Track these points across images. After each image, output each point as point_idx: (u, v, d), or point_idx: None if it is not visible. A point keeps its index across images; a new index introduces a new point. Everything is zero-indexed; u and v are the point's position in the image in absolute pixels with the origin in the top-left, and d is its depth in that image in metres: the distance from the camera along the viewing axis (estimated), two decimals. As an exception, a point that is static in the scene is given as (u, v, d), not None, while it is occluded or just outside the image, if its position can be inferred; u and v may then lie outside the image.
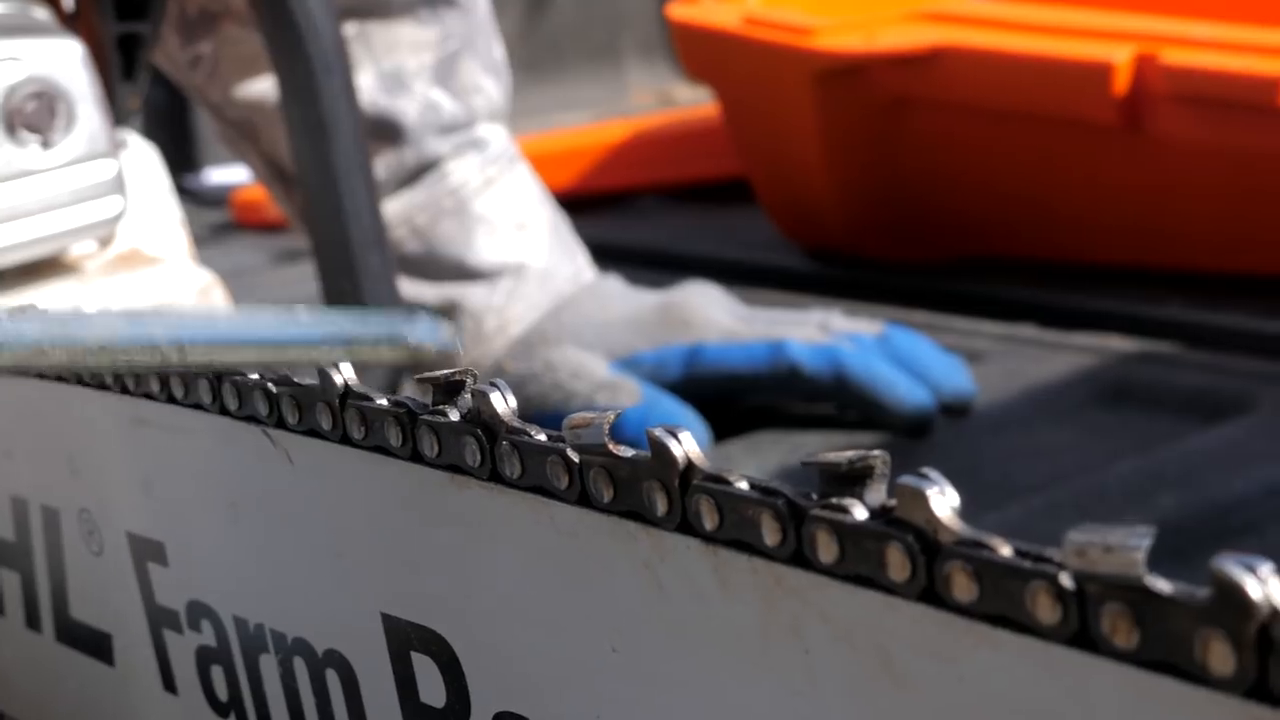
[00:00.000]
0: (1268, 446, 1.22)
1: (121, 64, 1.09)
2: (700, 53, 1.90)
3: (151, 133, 1.55)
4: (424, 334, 0.48)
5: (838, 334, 1.32)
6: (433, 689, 0.53)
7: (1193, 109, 1.57)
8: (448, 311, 1.34)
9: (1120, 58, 1.57)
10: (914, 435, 1.29)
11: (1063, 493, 1.16)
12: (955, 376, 1.33)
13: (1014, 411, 1.36)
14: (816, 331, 1.32)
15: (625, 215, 2.26)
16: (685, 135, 2.36)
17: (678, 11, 1.90)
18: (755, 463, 1.26)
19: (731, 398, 1.34)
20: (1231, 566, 0.32)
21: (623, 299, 1.37)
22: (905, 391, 1.29)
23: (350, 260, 1.10)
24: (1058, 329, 1.55)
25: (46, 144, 0.99)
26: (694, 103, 2.48)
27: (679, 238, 2.10)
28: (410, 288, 1.31)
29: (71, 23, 1.06)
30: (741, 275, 1.79)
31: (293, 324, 0.48)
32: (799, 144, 1.80)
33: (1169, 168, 1.62)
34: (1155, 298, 1.59)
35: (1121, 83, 1.57)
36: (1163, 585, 0.34)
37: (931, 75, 1.70)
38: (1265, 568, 0.32)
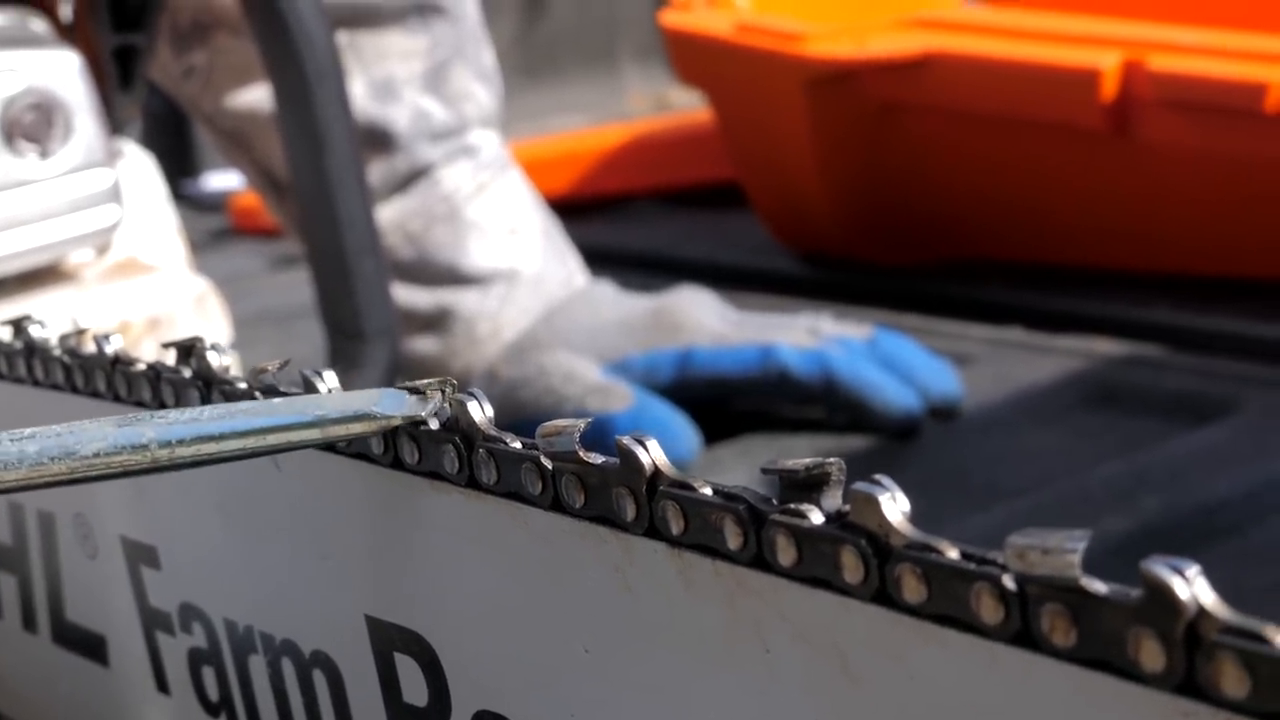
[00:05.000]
0: (1252, 449, 1.23)
1: (118, 74, 1.10)
2: (693, 59, 1.92)
3: (150, 139, 1.57)
4: (390, 406, 0.52)
5: (827, 338, 1.33)
6: (415, 688, 0.54)
7: (1180, 114, 1.58)
8: (440, 317, 1.36)
9: (1108, 63, 1.59)
10: (902, 438, 1.31)
11: (1049, 495, 1.17)
12: (943, 380, 1.35)
13: (1001, 414, 1.37)
14: (806, 336, 1.33)
15: (619, 219, 2.27)
16: (679, 140, 2.37)
17: (671, 18, 1.91)
18: (746, 465, 1.28)
19: (722, 401, 1.36)
20: (1160, 569, 0.34)
21: (614, 303, 1.39)
22: (893, 395, 1.30)
23: (345, 267, 1.11)
24: (1045, 332, 1.56)
25: (44, 154, 1.01)
26: (690, 107, 2.49)
27: (672, 242, 2.12)
28: (404, 293, 1.33)
29: (69, 34, 1.07)
30: (734, 279, 1.80)
31: (269, 411, 0.52)
32: (791, 149, 1.81)
33: (1156, 172, 1.63)
34: (1142, 301, 1.61)
35: (1109, 88, 1.59)
36: (1098, 586, 0.35)
37: (921, 81, 1.71)
38: (1192, 570, 0.34)
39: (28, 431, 0.50)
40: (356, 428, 0.52)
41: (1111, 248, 1.71)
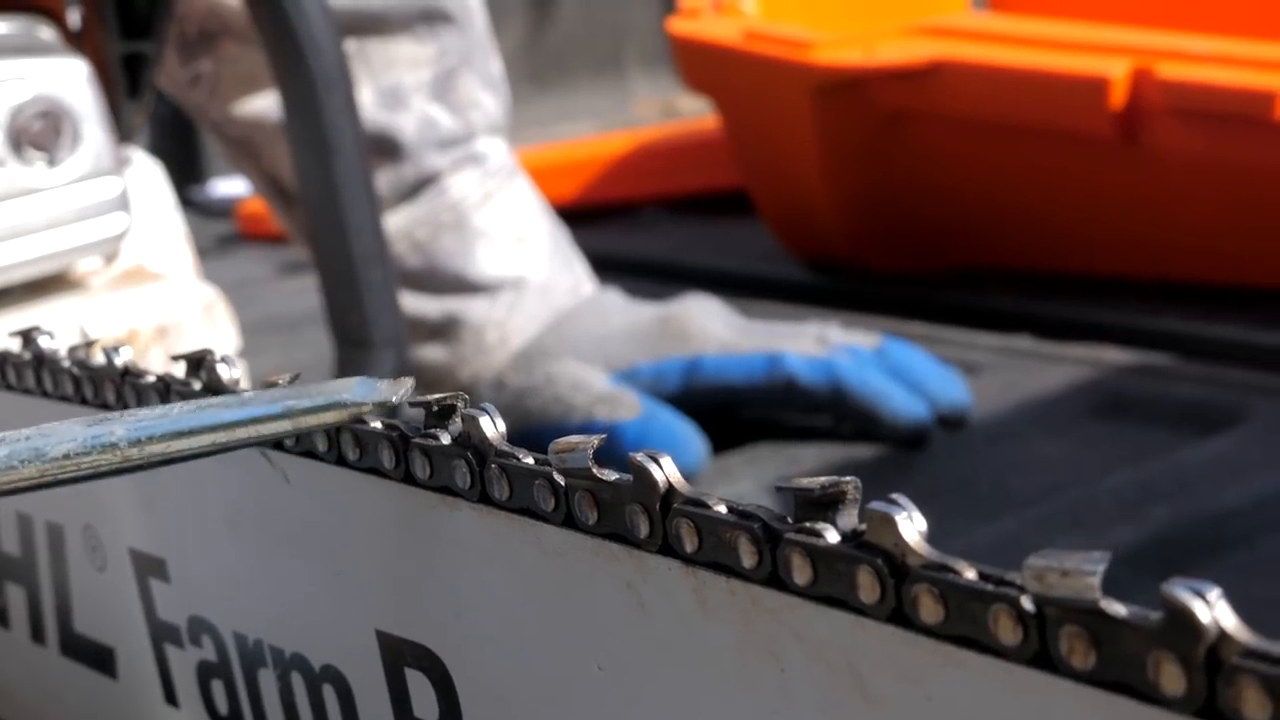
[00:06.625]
0: (1260, 458, 1.23)
1: (126, 82, 1.10)
2: (701, 66, 1.91)
3: (157, 145, 1.57)
4: (360, 394, 0.51)
5: (835, 347, 1.33)
6: (426, 704, 0.54)
7: (1189, 123, 1.58)
8: (448, 325, 1.36)
9: (1117, 72, 1.59)
10: (910, 447, 1.31)
11: (1057, 504, 1.17)
12: (951, 389, 1.35)
13: (1010, 423, 1.37)
14: (814, 344, 1.33)
15: (627, 226, 2.27)
16: (686, 147, 2.37)
17: (679, 25, 1.91)
18: (754, 475, 1.28)
19: (729, 410, 1.35)
20: (1181, 591, 0.34)
21: (622, 312, 1.38)
22: (901, 404, 1.30)
23: (352, 275, 1.11)
24: (1054, 341, 1.56)
25: (52, 162, 1.01)
26: (697, 114, 2.49)
27: (679, 249, 2.12)
28: (411, 302, 1.33)
29: (77, 42, 1.07)
30: (741, 286, 1.80)
31: (239, 405, 0.52)
32: (798, 157, 1.81)
33: (1165, 181, 1.63)
34: (1150, 309, 1.61)
35: (1118, 97, 1.59)
36: (1117, 608, 0.35)
37: (930, 89, 1.71)
38: (1213, 593, 0.34)
39: None
40: (328, 416, 0.52)
41: (1120, 256, 1.71)
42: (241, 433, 0.51)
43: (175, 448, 0.50)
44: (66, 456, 0.49)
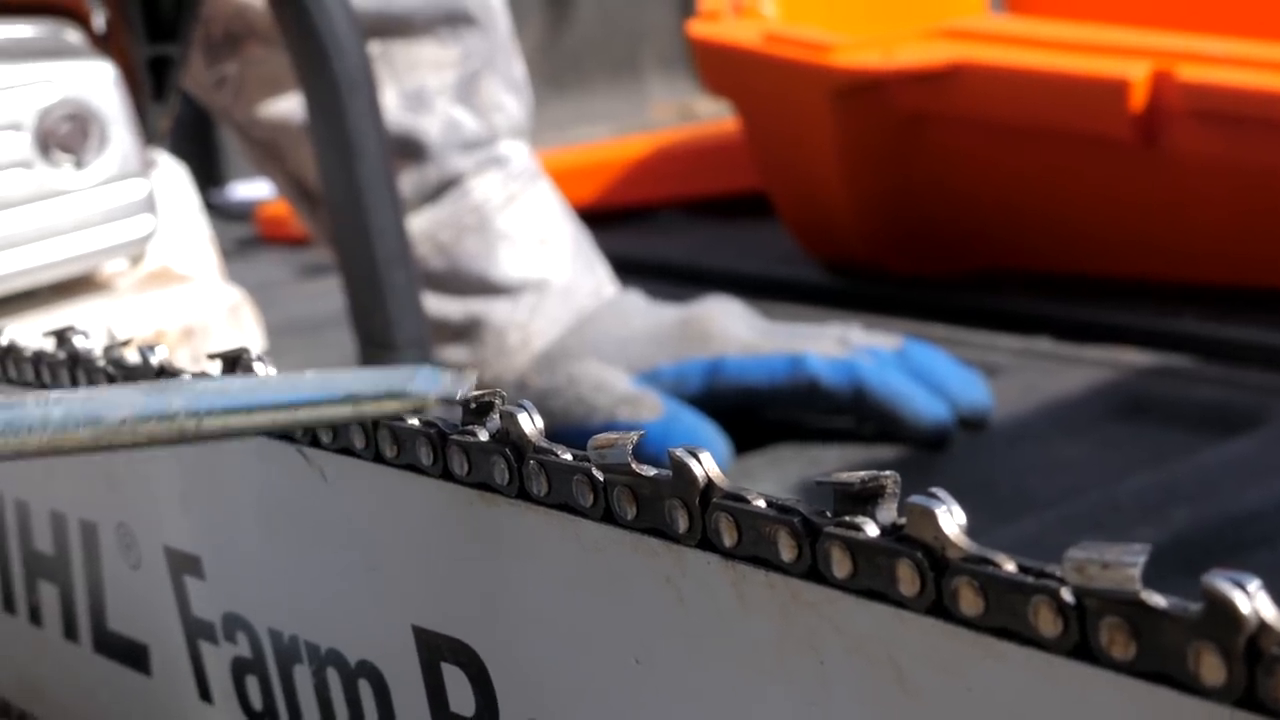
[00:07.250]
0: (1281, 460, 1.23)
1: (152, 85, 1.10)
2: (721, 69, 1.92)
3: (178, 148, 1.57)
4: (424, 384, 0.50)
5: (856, 348, 1.34)
6: (462, 699, 0.55)
7: (1209, 125, 1.58)
8: (471, 327, 1.36)
9: (1137, 74, 1.59)
10: (932, 449, 1.31)
11: (1078, 506, 1.17)
12: (972, 390, 1.35)
13: (1030, 425, 1.37)
14: (835, 346, 1.33)
15: (646, 229, 2.28)
16: (705, 150, 2.38)
17: (698, 28, 1.92)
18: (776, 475, 1.28)
19: (751, 411, 1.36)
20: (1221, 582, 0.34)
21: (644, 313, 1.39)
22: (923, 405, 1.30)
23: (376, 277, 1.11)
24: (1074, 343, 1.56)
25: (79, 164, 1.01)
26: (714, 117, 2.49)
27: (699, 252, 2.12)
28: (434, 303, 1.33)
29: (103, 45, 1.08)
30: (761, 289, 1.81)
31: (300, 386, 0.51)
32: (818, 159, 1.81)
33: (1185, 183, 1.63)
34: (1170, 312, 1.61)
35: (1138, 99, 1.59)
36: (1157, 600, 0.35)
37: (949, 91, 1.71)
38: (1254, 584, 0.34)
39: (54, 395, 0.50)
40: (390, 405, 0.50)
41: (1139, 258, 1.71)
42: (302, 414, 0.50)
43: (233, 423, 0.50)
44: (123, 422, 0.49)
